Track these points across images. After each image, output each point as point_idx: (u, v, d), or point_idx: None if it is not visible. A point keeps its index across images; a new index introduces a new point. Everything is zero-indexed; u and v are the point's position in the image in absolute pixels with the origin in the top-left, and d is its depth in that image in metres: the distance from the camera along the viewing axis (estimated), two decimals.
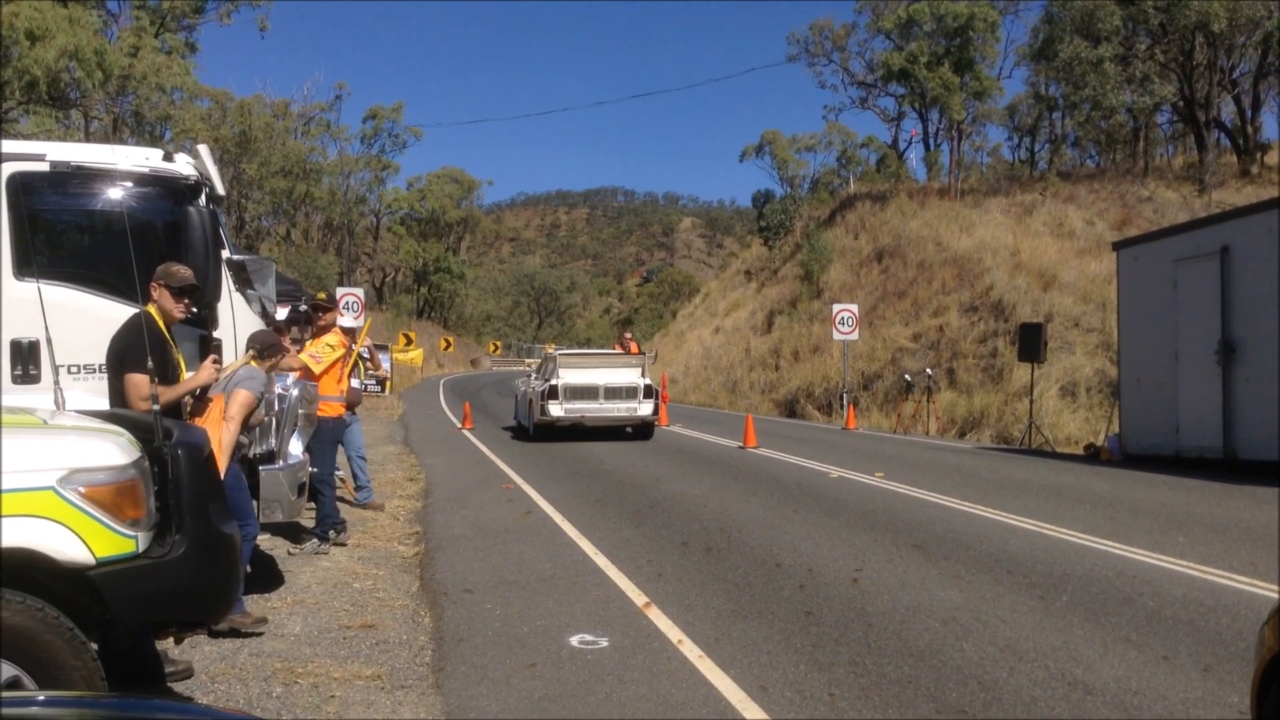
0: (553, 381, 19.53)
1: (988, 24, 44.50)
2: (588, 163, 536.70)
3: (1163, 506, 11.11)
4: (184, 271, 5.89)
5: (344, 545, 9.37)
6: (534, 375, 22.42)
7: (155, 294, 5.77)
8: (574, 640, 6.27)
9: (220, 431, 6.19)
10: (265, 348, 6.88)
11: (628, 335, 24.59)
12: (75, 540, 3.88)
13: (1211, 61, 38.15)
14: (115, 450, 4.09)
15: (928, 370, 25.62)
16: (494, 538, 9.81)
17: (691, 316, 57.49)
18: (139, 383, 5.59)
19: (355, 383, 10.89)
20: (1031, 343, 19.75)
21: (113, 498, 3.99)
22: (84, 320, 6.50)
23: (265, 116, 51.11)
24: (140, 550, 4.07)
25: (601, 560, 8.61)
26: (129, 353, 5.60)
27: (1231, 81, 39.99)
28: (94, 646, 3.96)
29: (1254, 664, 3.88)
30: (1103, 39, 36.10)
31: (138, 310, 5.71)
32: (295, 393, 7.75)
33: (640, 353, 22.43)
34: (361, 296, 25.40)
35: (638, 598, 7.30)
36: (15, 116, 27.11)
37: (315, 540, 9.15)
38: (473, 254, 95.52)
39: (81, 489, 3.92)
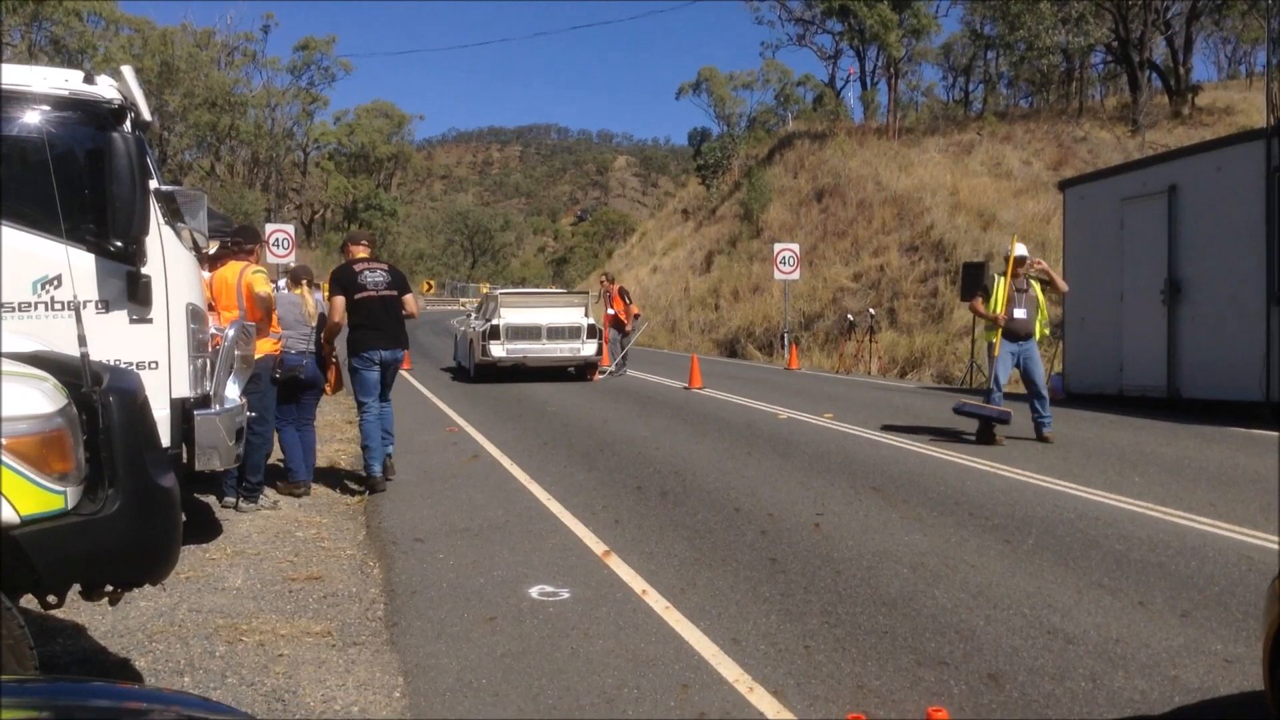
0: (494, 321, 19.14)
1: None
2: (521, 99, 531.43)
3: (1113, 446, 11.10)
4: None
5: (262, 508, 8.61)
6: (474, 315, 21.98)
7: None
8: (534, 591, 6.00)
9: None
10: None
11: (613, 285, 22.69)
12: None
13: (1146, 2, 38.27)
14: (39, 397, 3.68)
15: (870, 310, 25.60)
16: (441, 483, 9.50)
17: (628, 256, 57.04)
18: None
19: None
20: (973, 282, 19.65)
21: (37, 449, 3.59)
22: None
23: (189, 46, 49.35)
24: (69, 507, 3.68)
25: (555, 506, 8.34)
26: None
27: (1165, 22, 40.19)
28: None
29: (1263, 625, 3.70)
30: None
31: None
32: (231, 332, 7.32)
33: (625, 303, 21.90)
34: (291, 233, 24.66)
35: (596, 546, 7.05)
36: None
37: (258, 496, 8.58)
38: (404, 191, 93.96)
39: (2, 440, 3.52)
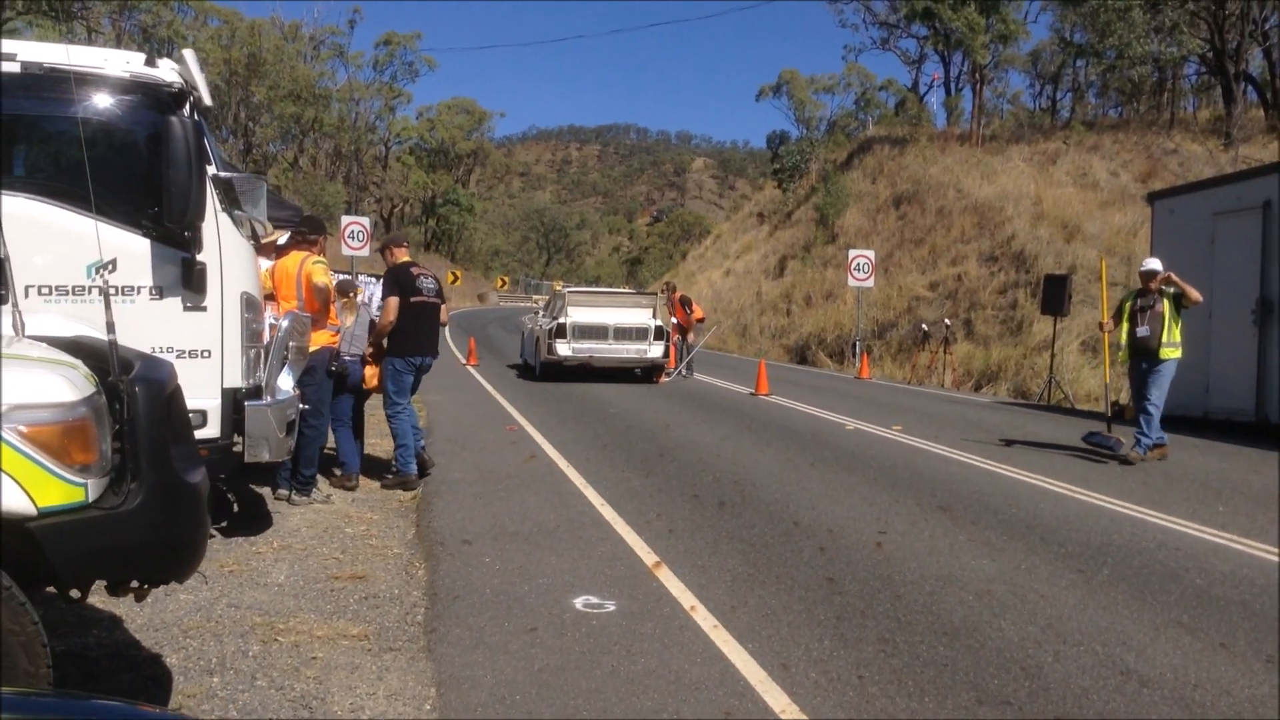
0: (561, 319, 19.00)
1: None
2: (600, 99, 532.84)
3: (1197, 472, 10.60)
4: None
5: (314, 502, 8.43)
6: (542, 312, 21.88)
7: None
8: (578, 602, 5.78)
9: None
10: None
11: (675, 293, 22.90)
12: (13, 487, 3.35)
13: (1244, 12, 37.02)
14: (63, 385, 3.54)
15: (945, 320, 25.00)
16: (496, 483, 9.34)
17: (702, 258, 56.79)
18: None
19: None
20: (1056, 295, 19.08)
21: (59, 439, 3.45)
22: (54, 237, 5.94)
23: (276, 38, 50.12)
24: (90, 500, 3.54)
25: (608, 512, 8.12)
26: None
27: (1263, 34, 38.84)
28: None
29: None
30: None
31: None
32: (285, 323, 7.22)
33: (686, 311, 21.79)
34: (368, 226, 24.82)
35: (647, 556, 6.81)
36: (16, 28, 26.33)
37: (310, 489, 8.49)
38: (482, 187, 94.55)
39: (22, 429, 3.38)
